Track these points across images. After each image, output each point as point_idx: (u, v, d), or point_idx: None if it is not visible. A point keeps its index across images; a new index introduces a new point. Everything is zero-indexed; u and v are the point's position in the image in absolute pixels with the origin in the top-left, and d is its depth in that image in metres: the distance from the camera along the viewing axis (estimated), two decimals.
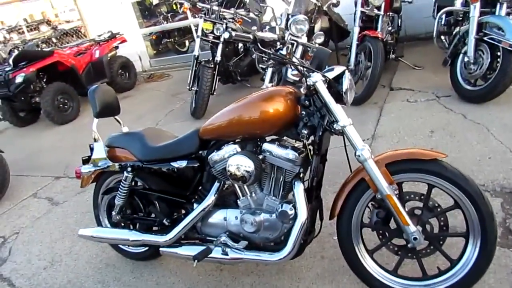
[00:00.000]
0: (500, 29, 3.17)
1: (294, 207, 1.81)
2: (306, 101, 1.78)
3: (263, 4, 4.29)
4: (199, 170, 2.07)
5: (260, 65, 4.92)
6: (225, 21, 4.75)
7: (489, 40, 3.24)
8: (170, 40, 8.58)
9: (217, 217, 2.02)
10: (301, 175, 1.85)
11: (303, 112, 1.79)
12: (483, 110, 3.30)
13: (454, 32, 3.82)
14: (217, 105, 4.97)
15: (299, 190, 1.81)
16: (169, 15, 8.69)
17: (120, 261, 2.53)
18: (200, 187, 2.11)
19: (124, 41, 7.15)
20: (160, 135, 2.28)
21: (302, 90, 1.84)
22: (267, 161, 1.85)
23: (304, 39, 4.23)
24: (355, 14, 4.12)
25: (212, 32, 4.68)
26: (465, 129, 3.09)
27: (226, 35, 1.56)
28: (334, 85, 1.72)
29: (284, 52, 1.67)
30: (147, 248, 2.36)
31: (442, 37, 4.18)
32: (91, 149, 2.48)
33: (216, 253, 1.92)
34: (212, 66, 4.65)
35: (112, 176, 2.40)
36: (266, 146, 1.84)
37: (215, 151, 1.98)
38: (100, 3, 7.79)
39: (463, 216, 1.68)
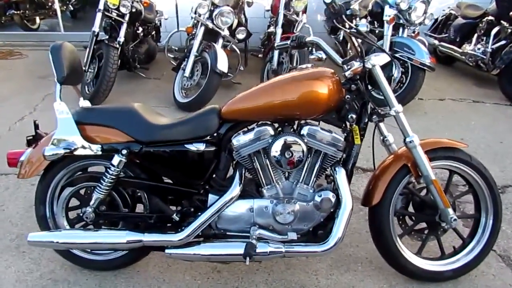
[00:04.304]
0: (408, 48, 3.74)
1: (336, 194, 1.74)
2: (353, 85, 1.75)
3: None
4: (215, 155, 1.78)
5: (169, 54, 4.54)
6: None
7: (399, 57, 3.78)
8: (18, 12, 7.08)
9: (239, 209, 1.76)
10: (341, 161, 1.80)
11: (348, 96, 1.75)
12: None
13: None
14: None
15: (341, 176, 1.75)
16: None
17: (73, 274, 1.92)
18: (213, 175, 1.81)
19: None
20: (151, 112, 1.86)
21: (347, 74, 1.78)
22: (307, 145, 1.72)
23: (226, 32, 4.13)
24: (277, 16, 4.21)
25: (117, 8, 4.11)
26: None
27: None
28: (385, 71, 1.74)
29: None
30: (124, 252, 1.88)
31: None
32: (36, 126, 1.86)
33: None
34: (118, 46, 4.06)
35: (74, 163, 1.82)
36: (307, 129, 1.71)
37: (240, 133, 1.74)
38: None
39: (474, 199, 1.92)
